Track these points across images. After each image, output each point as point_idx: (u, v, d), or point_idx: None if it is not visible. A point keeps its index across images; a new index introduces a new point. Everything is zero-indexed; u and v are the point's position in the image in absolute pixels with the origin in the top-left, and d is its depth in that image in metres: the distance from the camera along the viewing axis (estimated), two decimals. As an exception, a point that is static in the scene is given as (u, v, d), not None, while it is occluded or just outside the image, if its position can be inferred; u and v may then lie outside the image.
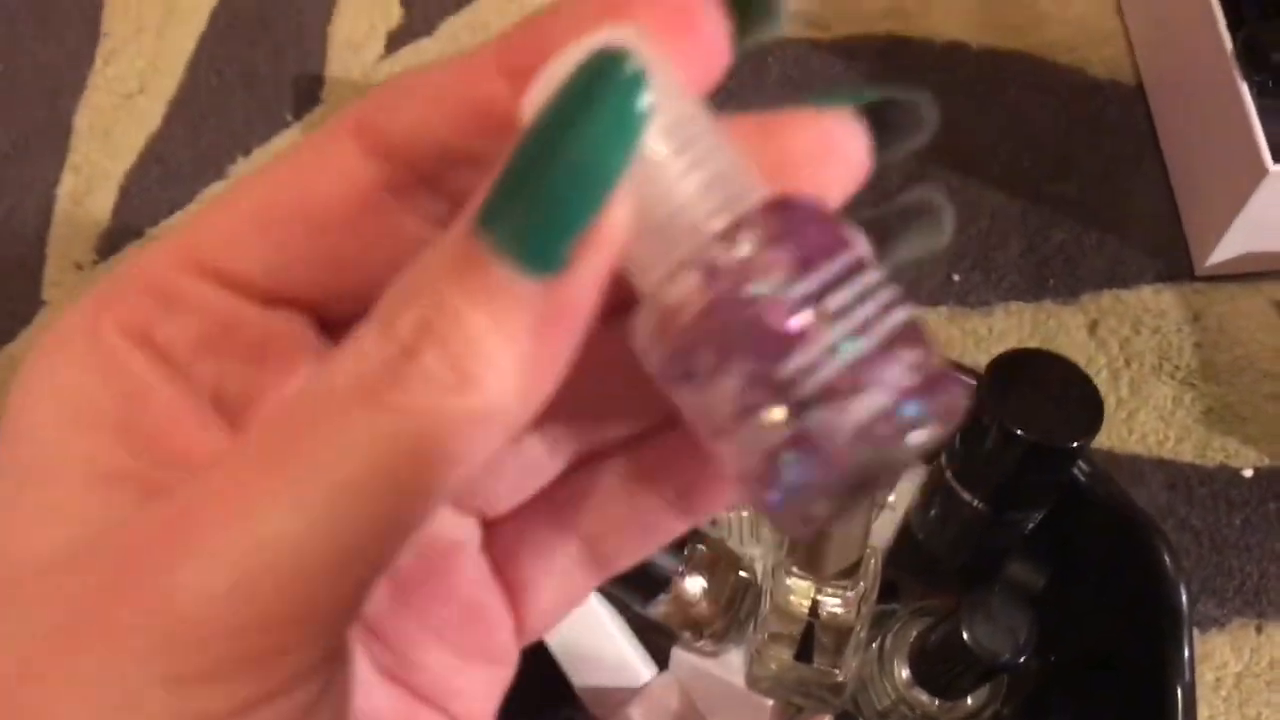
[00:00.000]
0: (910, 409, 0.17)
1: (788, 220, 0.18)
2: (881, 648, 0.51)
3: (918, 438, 0.17)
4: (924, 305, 0.68)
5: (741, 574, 0.52)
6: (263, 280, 0.20)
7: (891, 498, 0.52)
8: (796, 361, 0.17)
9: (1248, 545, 0.62)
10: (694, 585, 0.50)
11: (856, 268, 0.18)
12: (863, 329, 0.18)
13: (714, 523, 0.54)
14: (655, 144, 0.18)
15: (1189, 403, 0.65)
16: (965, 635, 0.46)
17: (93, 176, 0.78)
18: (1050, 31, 0.77)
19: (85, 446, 0.19)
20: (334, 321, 0.21)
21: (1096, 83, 0.75)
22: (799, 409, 0.17)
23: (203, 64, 0.83)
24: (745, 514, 0.54)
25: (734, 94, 0.78)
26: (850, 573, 0.48)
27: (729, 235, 0.18)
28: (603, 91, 0.17)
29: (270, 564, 0.16)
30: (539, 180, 0.17)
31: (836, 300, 0.18)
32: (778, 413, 0.17)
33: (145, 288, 0.20)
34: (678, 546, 0.51)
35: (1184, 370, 0.66)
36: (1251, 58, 0.63)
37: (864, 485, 0.18)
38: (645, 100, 0.17)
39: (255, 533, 0.16)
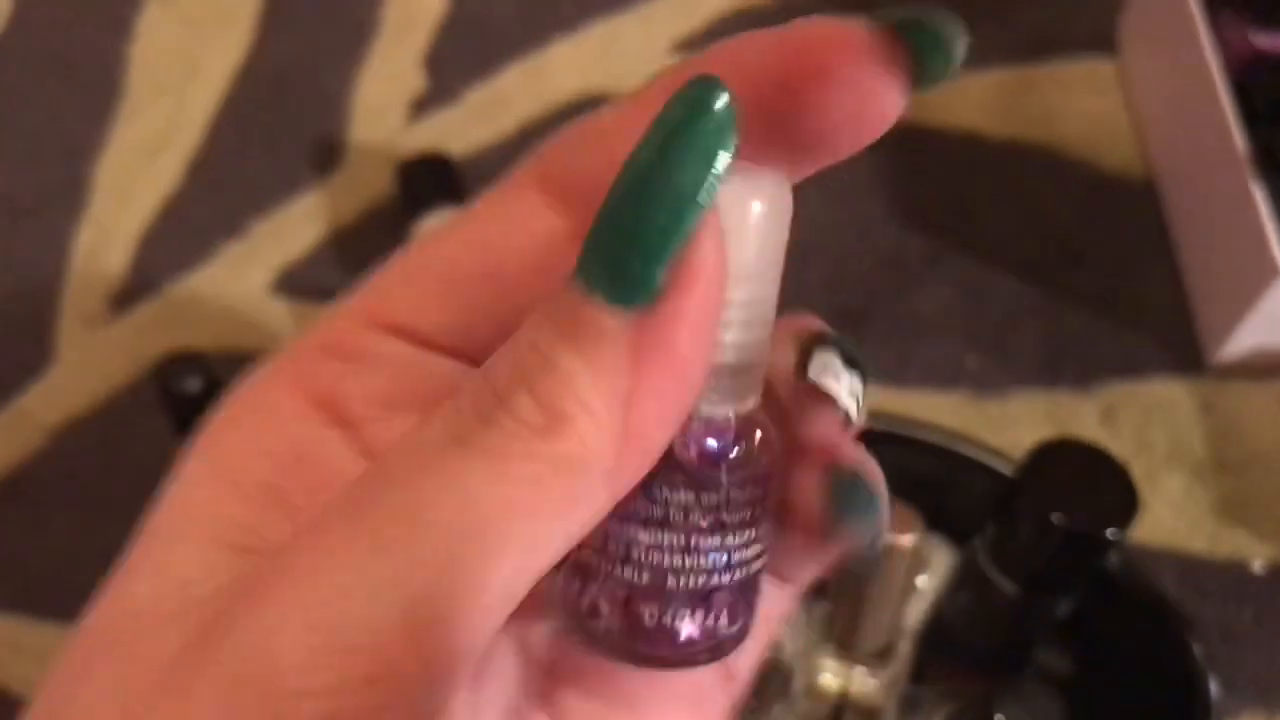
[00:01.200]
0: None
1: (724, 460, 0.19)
2: (908, 731, 0.51)
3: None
4: (938, 389, 0.69)
5: (769, 654, 0.52)
6: (451, 338, 0.20)
7: (924, 580, 0.52)
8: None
9: (1258, 638, 0.63)
10: (727, 662, 0.50)
11: (746, 521, 0.19)
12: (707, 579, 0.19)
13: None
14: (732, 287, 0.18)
15: (1200, 495, 0.66)
16: (997, 720, 0.46)
17: (110, 233, 0.78)
18: (1064, 126, 0.79)
19: (225, 513, 0.18)
20: None
21: (1109, 177, 0.77)
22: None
23: (224, 125, 0.83)
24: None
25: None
26: (883, 654, 0.48)
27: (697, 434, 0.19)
28: (677, 106, 0.17)
29: (344, 619, 0.15)
30: (623, 212, 0.16)
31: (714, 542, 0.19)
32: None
33: (327, 348, 0.19)
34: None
35: (1195, 462, 0.67)
36: (1266, 161, 0.65)
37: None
38: (723, 107, 0.17)
39: (333, 585, 0.16)
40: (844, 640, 0.48)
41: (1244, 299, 0.65)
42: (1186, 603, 0.64)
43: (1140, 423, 0.68)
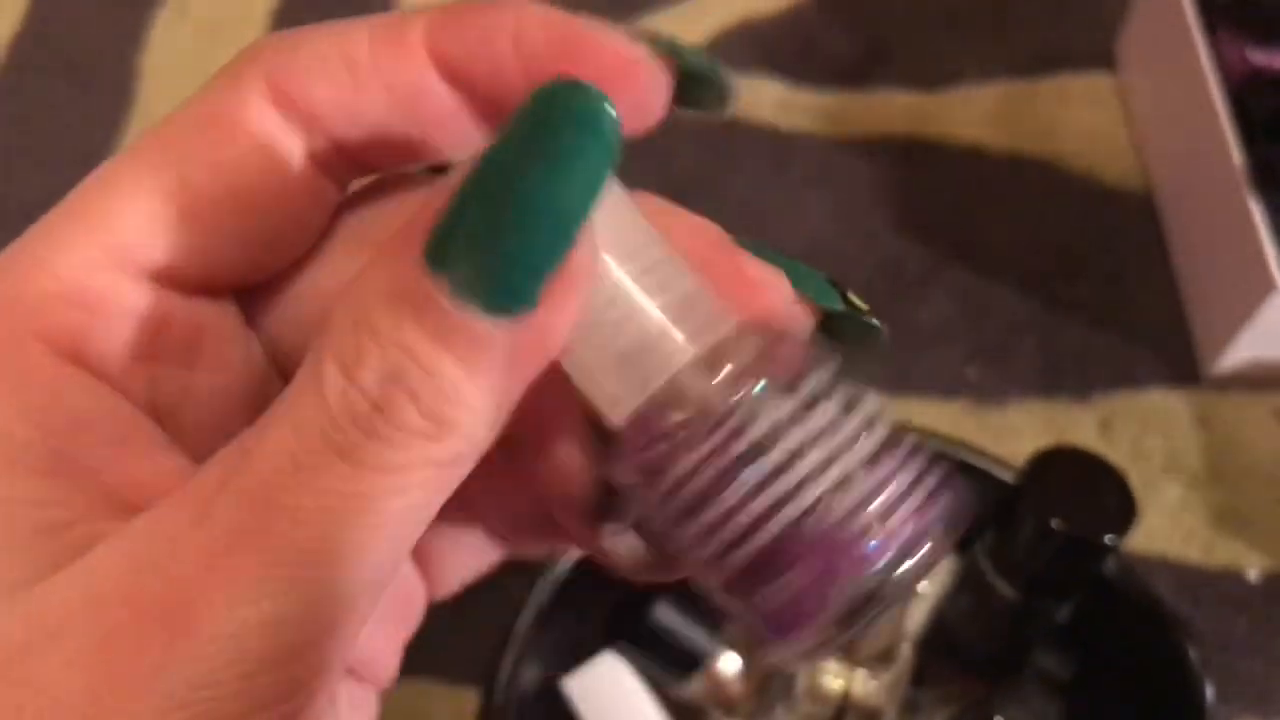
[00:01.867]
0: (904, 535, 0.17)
1: (764, 345, 0.18)
2: (908, 733, 0.52)
3: (915, 561, 0.17)
4: (938, 399, 0.70)
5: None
6: (193, 269, 0.19)
7: (925, 585, 0.53)
8: (797, 499, 0.17)
9: (1254, 647, 0.64)
10: (731, 664, 0.51)
11: (834, 385, 0.18)
12: (851, 448, 0.17)
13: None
14: (617, 268, 0.18)
15: (1196, 504, 0.67)
16: (996, 723, 0.47)
17: (121, 238, 0.79)
18: (1064, 140, 0.80)
19: (12, 495, 0.17)
20: (254, 291, 0.21)
21: (1108, 191, 0.78)
22: (802, 544, 0.17)
23: (234, 133, 0.84)
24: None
25: (757, 187, 0.79)
26: (885, 657, 0.49)
27: (710, 364, 0.17)
28: (566, 122, 0.16)
29: (260, 647, 0.16)
30: (497, 222, 0.16)
31: (822, 423, 0.17)
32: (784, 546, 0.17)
33: (68, 295, 0.18)
34: (715, 625, 0.52)
35: (1191, 472, 0.68)
36: (1262, 176, 0.66)
37: (864, 609, 0.17)
38: (612, 128, 0.16)
39: (242, 618, 0.16)
40: (845, 643, 0.49)
41: (1241, 312, 0.66)
42: (1182, 611, 0.65)
43: (1137, 433, 0.69)
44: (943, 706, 0.51)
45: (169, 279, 0.19)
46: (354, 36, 0.18)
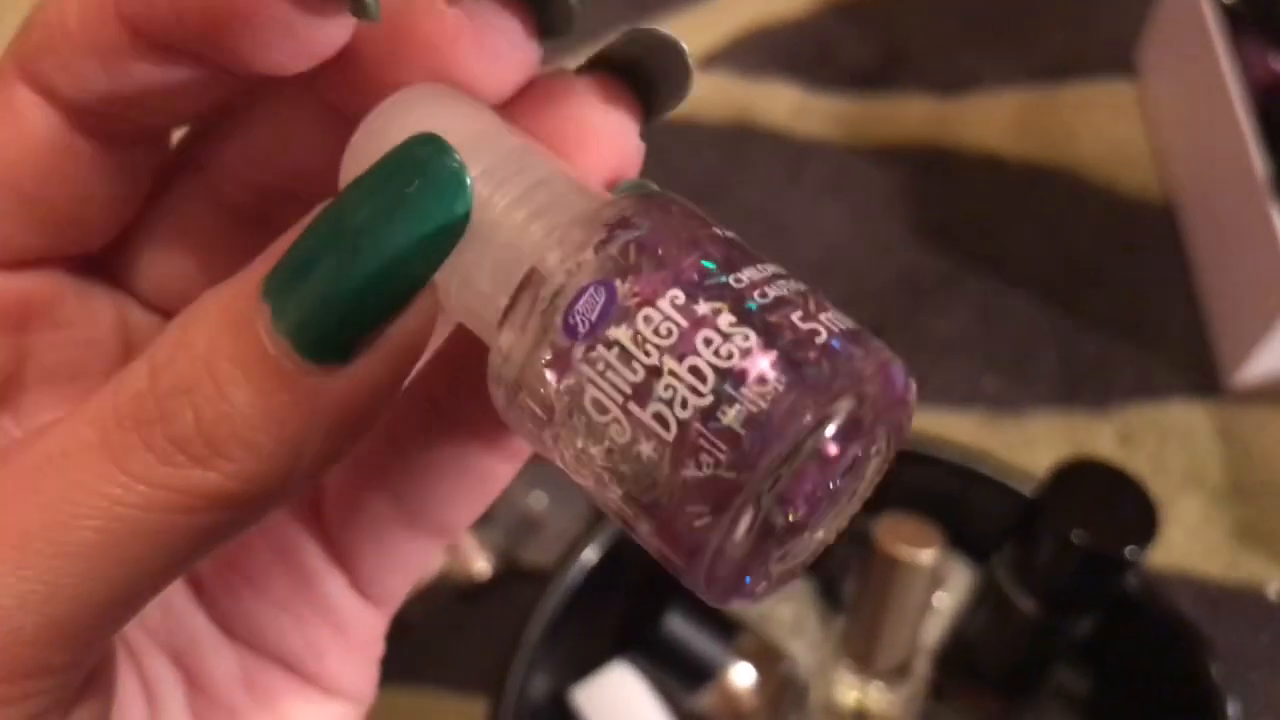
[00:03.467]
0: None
1: (646, 214, 0.17)
2: (924, 748, 0.51)
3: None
4: (955, 409, 0.69)
5: (785, 668, 0.52)
6: None
7: (942, 598, 0.52)
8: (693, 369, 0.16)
9: (1274, 662, 0.63)
10: (744, 676, 0.50)
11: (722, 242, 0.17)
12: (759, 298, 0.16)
13: (759, 617, 0.54)
14: (481, 193, 0.16)
15: (1216, 519, 0.66)
16: (1014, 739, 0.46)
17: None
18: (1083, 149, 0.79)
19: None
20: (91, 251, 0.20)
21: (1127, 201, 0.77)
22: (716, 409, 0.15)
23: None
24: (788, 609, 0.54)
25: (772, 193, 0.78)
26: (901, 670, 0.48)
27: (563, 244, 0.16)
28: (425, 201, 0.15)
29: None
30: (328, 273, 0.15)
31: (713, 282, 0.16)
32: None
33: None
34: (728, 635, 0.51)
35: (1212, 486, 0.67)
36: (1285, 187, 0.65)
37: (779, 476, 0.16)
38: (463, 206, 0.16)
39: None
40: (861, 656, 0.49)
41: (1262, 323, 0.65)
42: (1201, 626, 0.64)
43: (1157, 446, 0.68)
44: (960, 722, 0.51)
45: None
46: (70, 3, 0.18)
